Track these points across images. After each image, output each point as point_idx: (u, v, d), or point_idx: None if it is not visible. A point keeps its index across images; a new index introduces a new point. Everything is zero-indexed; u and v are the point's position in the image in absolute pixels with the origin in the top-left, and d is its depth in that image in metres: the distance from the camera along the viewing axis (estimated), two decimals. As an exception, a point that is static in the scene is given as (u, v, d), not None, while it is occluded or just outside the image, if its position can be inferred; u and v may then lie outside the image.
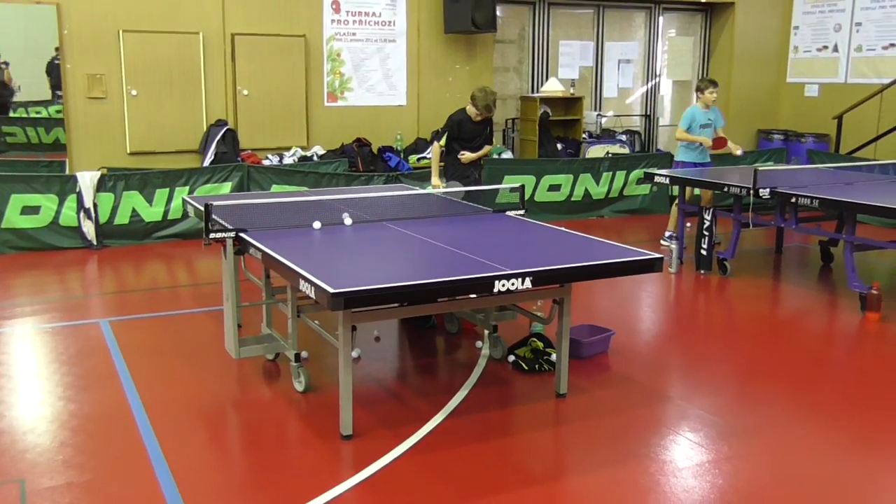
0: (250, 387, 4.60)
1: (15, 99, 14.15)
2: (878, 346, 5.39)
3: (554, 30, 11.32)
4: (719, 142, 7.91)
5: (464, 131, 6.59)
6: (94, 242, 7.92)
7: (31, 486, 3.42)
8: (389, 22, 9.75)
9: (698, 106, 7.93)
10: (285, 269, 3.82)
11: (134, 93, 8.58)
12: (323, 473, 3.57)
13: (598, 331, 5.20)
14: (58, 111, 9.45)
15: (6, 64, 13.66)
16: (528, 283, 3.67)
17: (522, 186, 5.57)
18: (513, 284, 3.63)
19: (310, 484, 3.45)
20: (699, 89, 7.95)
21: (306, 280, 3.54)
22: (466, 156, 6.63)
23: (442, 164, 7.02)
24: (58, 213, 7.81)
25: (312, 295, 3.50)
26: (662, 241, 8.18)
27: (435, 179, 6.75)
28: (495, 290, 3.62)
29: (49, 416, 4.12)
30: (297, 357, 4.47)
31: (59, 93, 9.04)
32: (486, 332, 5.09)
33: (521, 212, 5.25)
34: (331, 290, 3.33)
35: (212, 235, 4.42)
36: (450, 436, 3.94)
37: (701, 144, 7.86)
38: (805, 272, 7.49)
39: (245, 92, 9.08)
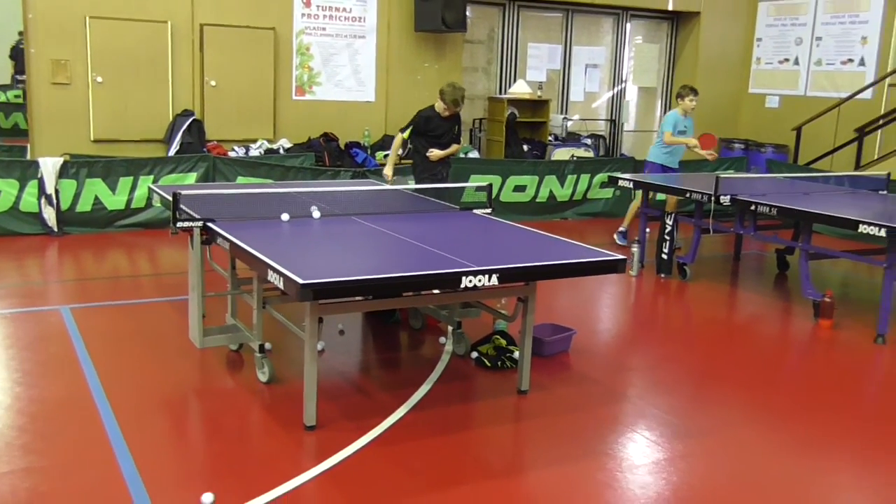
0: (213, 376, 4.60)
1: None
2: (829, 352, 5.56)
3: (523, 32, 11.42)
4: (707, 140, 8.08)
5: (431, 127, 6.63)
6: (55, 229, 7.82)
7: (-10, 470, 3.40)
8: (360, 18, 9.77)
9: (677, 111, 8.09)
10: (254, 259, 3.83)
11: (99, 80, 8.48)
12: (285, 463, 3.59)
13: (560, 330, 5.28)
14: (16, 95, 9.32)
15: (-35, 47, 13.43)
16: (494, 280, 3.73)
17: (490, 185, 5.64)
18: (479, 281, 3.69)
19: (272, 473, 3.47)
20: (679, 95, 8.10)
21: (275, 271, 3.56)
22: (435, 153, 6.68)
23: (409, 161, 7.06)
24: (18, 198, 7.70)
25: (281, 286, 3.52)
26: (616, 238, 8.42)
27: (388, 170, 6.75)
28: (462, 286, 3.67)
29: (7, 402, 4.08)
30: (262, 348, 4.48)
31: (19, 77, 8.89)
32: (450, 328, 5.14)
33: (488, 210, 5.32)
34: (300, 280, 3.36)
35: (179, 224, 4.42)
36: (412, 429, 3.99)
37: (675, 147, 8.08)
38: (762, 279, 7.66)
39: (213, 83, 9.02)
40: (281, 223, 4.62)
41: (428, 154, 6.69)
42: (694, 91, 8.04)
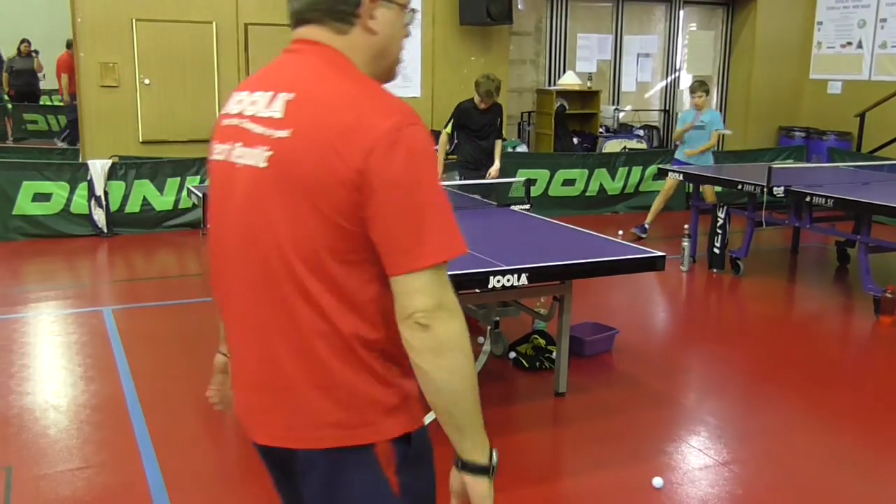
0: (247, 379, 4.57)
1: (41, 86, 14.31)
2: (890, 350, 5.26)
3: (572, 22, 11.19)
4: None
5: (471, 120, 6.53)
6: (105, 230, 7.93)
7: (18, 473, 3.41)
8: (404, 13, 9.68)
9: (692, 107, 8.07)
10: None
11: (147, 82, 8.57)
12: (312, 469, 3.52)
13: (602, 329, 5.11)
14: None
15: (36, 52, 13.80)
16: (524, 280, 3.60)
17: (528, 181, 5.49)
18: (508, 281, 3.56)
19: (297, 479, 3.40)
20: (690, 91, 8.10)
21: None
22: (493, 172, 6.67)
23: (454, 156, 6.96)
24: (69, 200, 7.83)
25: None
26: (636, 231, 8.19)
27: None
28: (490, 286, 3.55)
29: (41, 404, 4.11)
30: (294, 350, 4.42)
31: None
32: (488, 327, 5.02)
33: (527, 206, 5.18)
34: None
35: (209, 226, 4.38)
36: (442, 433, 3.87)
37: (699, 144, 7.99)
38: (820, 273, 7.35)
39: (258, 82, 9.05)
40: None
41: (487, 175, 6.66)
42: (701, 86, 7.94)
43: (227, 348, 1.79)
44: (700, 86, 7.97)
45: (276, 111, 1.48)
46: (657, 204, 8.26)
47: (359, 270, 1.46)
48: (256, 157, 1.48)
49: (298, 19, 1.56)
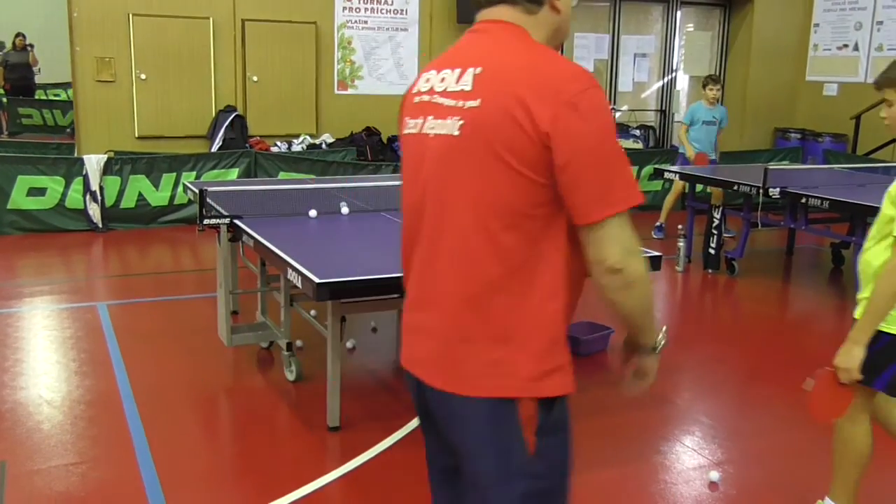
0: (242, 374, 4.56)
1: (36, 80, 14.24)
2: None
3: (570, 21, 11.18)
4: (700, 158, 7.95)
5: None
6: (100, 225, 7.91)
7: (12, 468, 3.40)
8: (401, 10, 9.67)
9: (702, 102, 8.00)
10: (275, 257, 3.76)
11: (143, 77, 8.55)
12: (306, 464, 3.52)
13: (597, 328, 5.11)
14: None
15: (31, 46, 13.73)
16: (520, 278, 3.59)
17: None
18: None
19: (292, 475, 3.40)
20: (703, 85, 8.04)
21: (293, 269, 3.48)
22: None
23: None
24: (64, 195, 7.80)
25: (299, 284, 3.44)
26: (653, 233, 8.22)
27: None
28: (486, 284, 3.54)
29: (35, 399, 4.09)
30: (290, 346, 4.42)
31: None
32: (484, 326, 5.01)
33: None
34: (316, 279, 3.28)
35: (205, 221, 4.38)
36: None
37: (698, 137, 8.02)
38: (815, 274, 7.36)
39: (255, 78, 9.03)
40: (308, 220, 4.55)
41: None
42: (713, 80, 8.00)
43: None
44: (716, 80, 7.97)
45: (466, 84, 1.65)
46: (668, 203, 8.27)
47: (547, 224, 1.62)
48: (449, 126, 1.66)
49: (488, 0, 1.72)
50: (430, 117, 1.71)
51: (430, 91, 1.74)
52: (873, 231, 2.82)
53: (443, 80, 1.72)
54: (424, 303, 1.76)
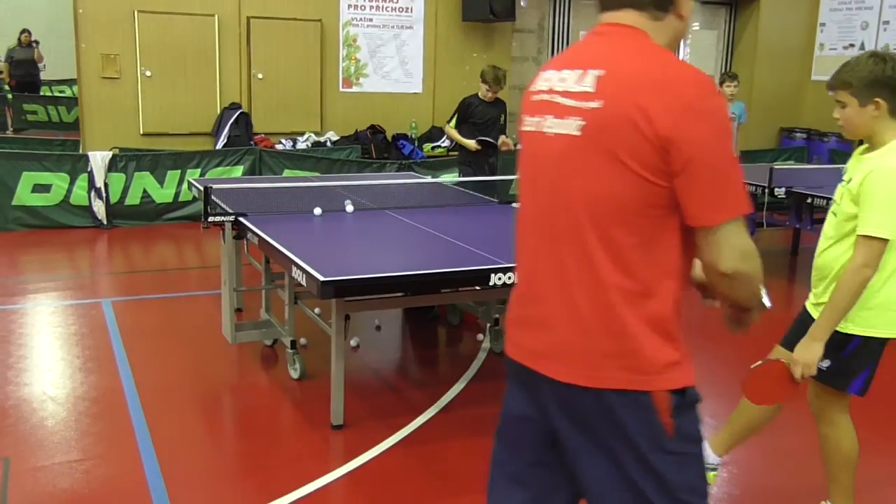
0: (246, 372, 4.56)
1: (41, 77, 14.26)
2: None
3: (575, 20, 11.17)
4: None
5: (474, 114, 6.51)
6: (105, 222, 7.92)
7: (16, 465, 3.40)
8: (406, 8, 9.66)
9: None
10: (279, 255, 3.76)
11: (148, 74, 8.55)
12: (310, 463, 3.52)
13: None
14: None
15: (36, 42, 13.75)
16: (524, 277, 3.58)
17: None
18: (509, 278, 3.55)
19: (295, 473, 3.40)
20: (720, 82, 7.95)
21: (298, 267, 3.48)
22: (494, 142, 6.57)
23: (456, 152, 6.93)
24: (68, 191, 7.81)
25: (304, 282, 3.44)
26: None
27: (469, 142, 6.53)
28: (491, 283, 3.54)
29: (40, 396, 4.10)
30: (294, 344, 4.42)
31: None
32: (487, 324, 5.01)
33: (528, 204, 5.16)
34: (321, 277, 3.28)
35: (210, 219, 4.38)
36: (441, 429, 3.88)
37: None
38: (820, 274, 7.33)
39: (260, 76, 9.03)
40: (313, 217, 4.55)
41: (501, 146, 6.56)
42: (730, 76, 7.92)
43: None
44: (733, 76, 7.89)
45: (588, 86, 1.69)
46: None
47: (661, 224, 1.66)
48: (569, 126, 1.70)
49: (614, 3, 1.76)
50: (550, 116, 1.76)
51: (550, 90, 1.78)
52: (830, 230, 2.81)
53: (562, 80, 1.76)
54: (540, 297, 1.79)
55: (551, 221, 1.76)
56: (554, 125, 1.74)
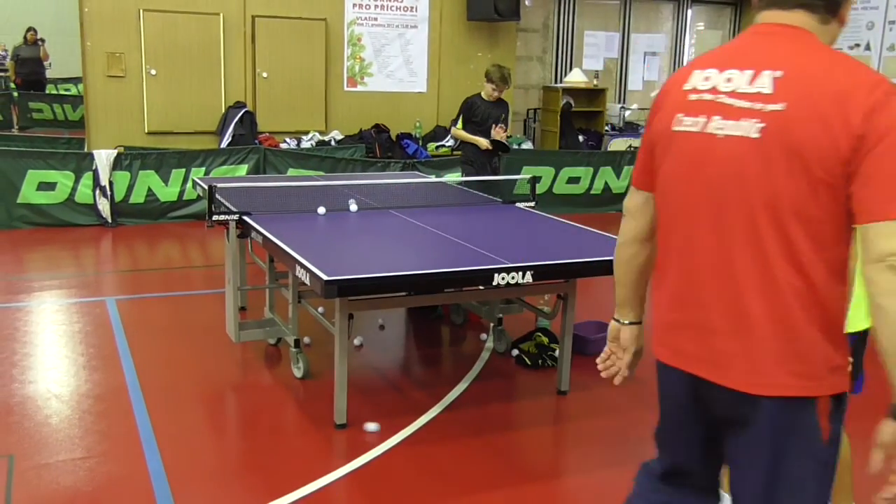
0: (249, 371, 4.57)
1: (47, 75, 14.29)
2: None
3: (579, 20, 11.17)
4: None
5: (477, 113, 6.49)
6: (109, 220, 7.94)
7: (20, 462, 3.41)
8: (411, 7, 9.66)
9: None
10: (283, 254, 3.77)
11: (153, 72, 8.57)
12: (313, 462, 3.53)
13: (605, 328, 5.09)
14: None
15: (42, 41, 13.78)
16: (528, 278, 3.59)
17: (534, 178, 5.48)
18: (513, 278, 3.56)
19: (298, 472, 3.41)
20: None
21: (302, 266, 3.49)
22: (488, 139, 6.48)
23: (459, 152, 6.92)
24: (73, 189, 7.83)
25: (308, 281, 3.45)
26: None
27: (482, 140, 6.45)
28: (494, 282, 3.54)
29: (44, 393, 4.11)
30: (297, 343, 4.42)
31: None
32: (491, 324, 5.02)
33: (532, 204, 5.17)
34: (325, 277, 3.28)
35: (214, 218, 4.38)
36: (444, 429, 3.88)
37: None
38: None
39: (264, 74, 9.04)
40: (317, 216, 4.55)
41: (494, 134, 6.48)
42: None
43: (623, 314, 2.06)
44: None
45: (764, 87, 1.68)
46: None
47: (836, 227, 1.66)
48: (745, 128, 1.68)
49: (787, 3, 1.75)
50: (717, 117, 1.73)
51: (713, 90, 1.76)
52: None
53: (729, 80, 1.74)
54: (701, 300, 1.80)
55: (721, 223, 1.74)
56: (725, 126, 1.72)
